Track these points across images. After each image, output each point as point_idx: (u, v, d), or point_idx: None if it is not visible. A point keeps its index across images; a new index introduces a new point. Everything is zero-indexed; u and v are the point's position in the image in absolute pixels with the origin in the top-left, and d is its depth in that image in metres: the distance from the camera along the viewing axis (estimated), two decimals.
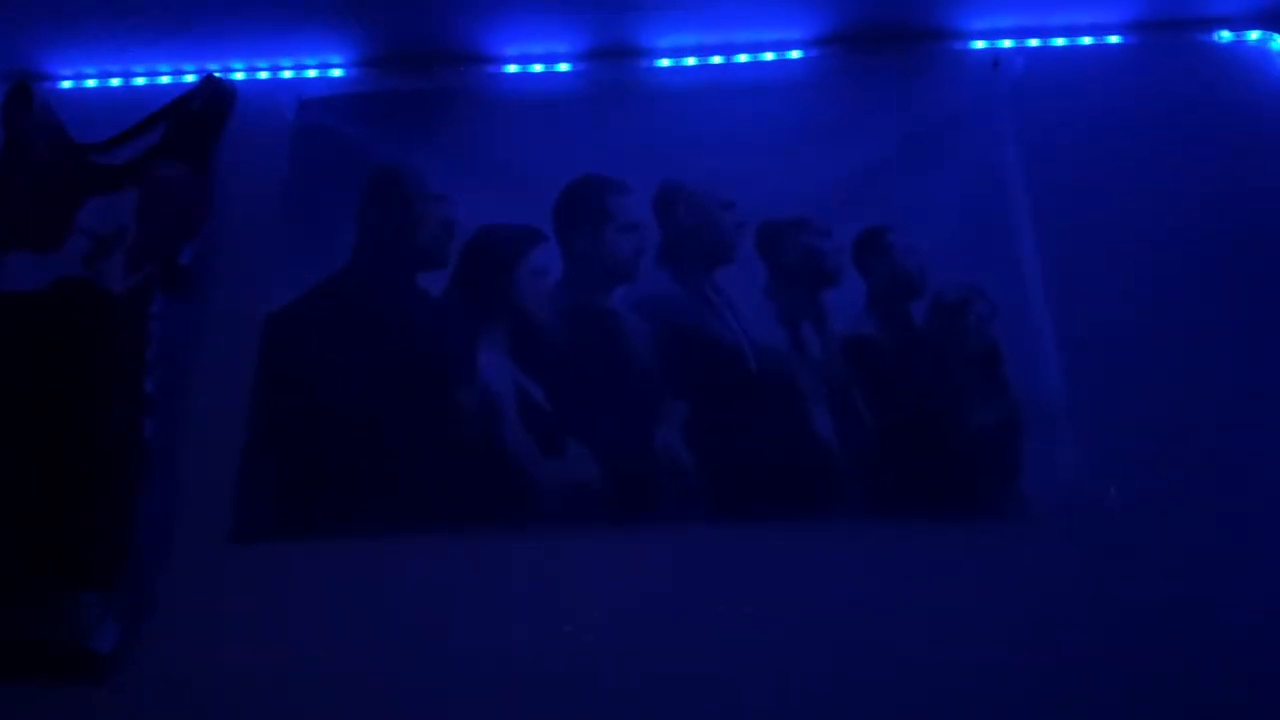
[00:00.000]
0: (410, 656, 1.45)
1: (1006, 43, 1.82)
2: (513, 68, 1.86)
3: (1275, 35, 1.80)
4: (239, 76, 1.89)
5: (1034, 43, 1.82)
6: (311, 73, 1.89)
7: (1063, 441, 1.51)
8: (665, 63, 1.85)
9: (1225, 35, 1.81)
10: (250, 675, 1.44)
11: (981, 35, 1.83)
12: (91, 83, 1.93)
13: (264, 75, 1.89)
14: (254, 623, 1.48)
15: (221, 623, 1.48)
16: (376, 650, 1.45)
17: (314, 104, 1.84)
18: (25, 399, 1.54)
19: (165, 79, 1.90)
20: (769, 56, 1.84)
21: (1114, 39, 1.82)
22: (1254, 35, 1.80)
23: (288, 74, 1.89)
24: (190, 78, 1.89)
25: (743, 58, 1.84)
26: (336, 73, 1.88)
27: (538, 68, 1.86)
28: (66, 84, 1.93)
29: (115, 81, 1.92)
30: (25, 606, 1.41)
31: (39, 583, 1.42)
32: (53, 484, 1.47)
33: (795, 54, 1.84)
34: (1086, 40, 1.82)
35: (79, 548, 1.44)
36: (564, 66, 1.86)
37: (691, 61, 1.85)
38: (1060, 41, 1.82)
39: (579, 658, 1.44)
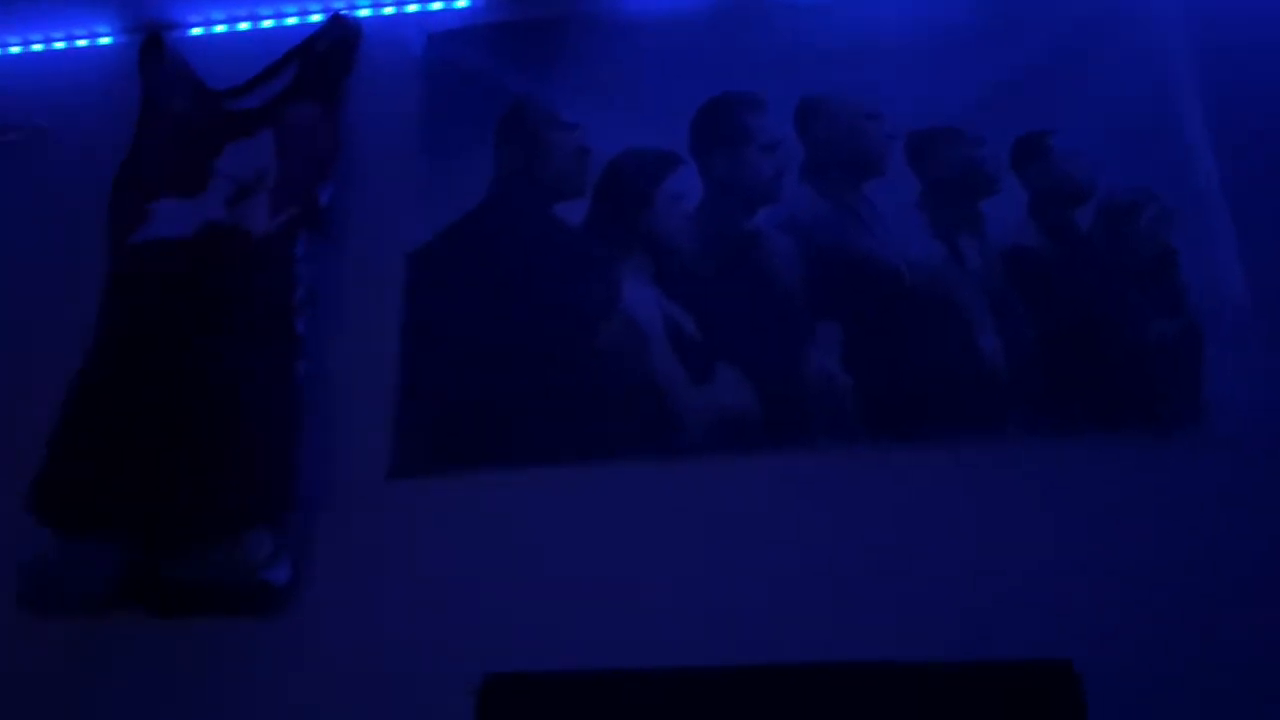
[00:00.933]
0: (564, 588, 1.45)
1: None
2: None
3: None
4: (365, 14, 1.87)
5: None
6: (437, 5, 1.85)
7: (1247, 352, 1.42)
8: None
9: None
10: (410, 605, 1.46)
11: None
12: (220, 28, 1.94)
13: (390, 11, 1.87)
14: (412, 556, 1.50)
15: (381, 556, 1.50)
16: (529, 581, 1.46)
17: (442, 38, 1.81)
18: (179, 343, 1.56)
19: (292, 20, 1.89)
20: None
21: None
22: None
23: (413, 8, 1.86)
24: (317, 18, 1.88)
25: None
26: (462, 4, 1.85)
27: None
28: (196, 31, 1.94)
29: (243, 25, 1.92)
30: (201, 547, 1.44)
31: (212, 523, 1.45)
32: (214, 427, 1.50)
33: None
34: None
35: (247, 488, 1.47)
36: None
37: None
38: None
39: (733, 587, 1.42)
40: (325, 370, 1.60)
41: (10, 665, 1.49)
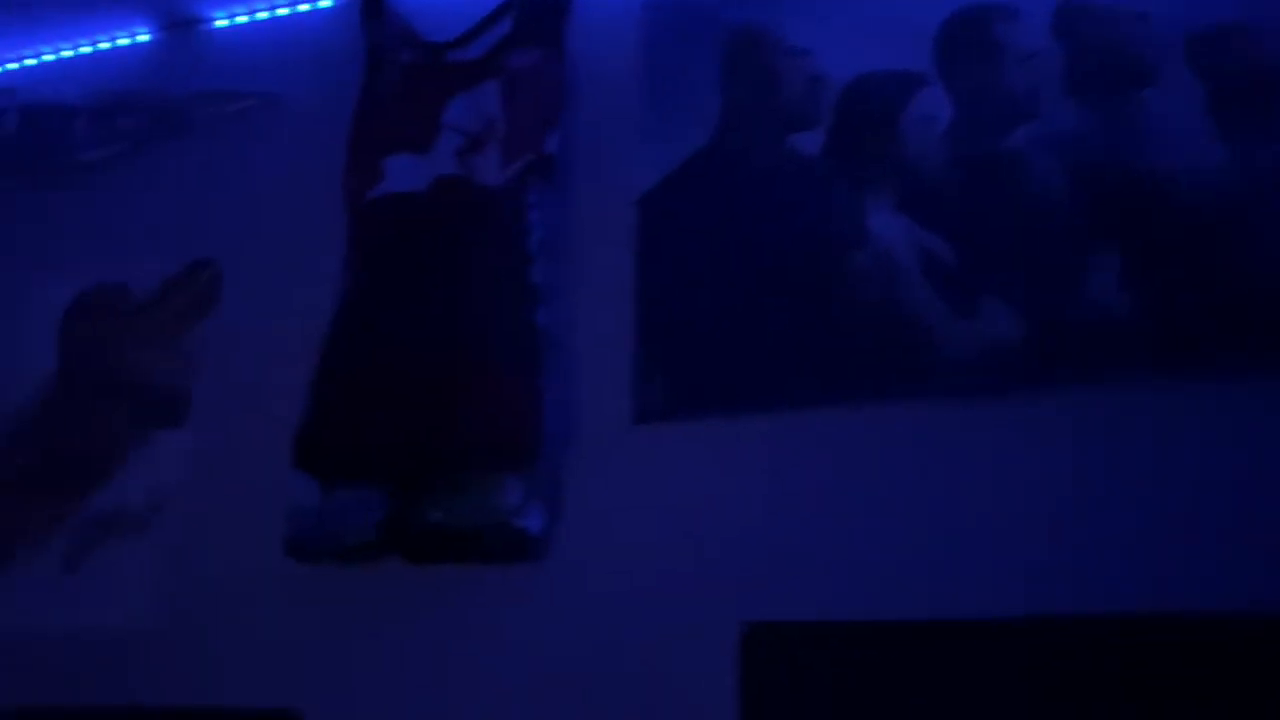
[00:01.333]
0: (818, 535, 1.39)
1: None
2: None
3: None
4: None
5: None
6: None
7: None
8: None
9: None
10: (662, 552, 1.44)
11: None
12: None
13: None
14: (660, 501, 1.47)
15: (629, 502, 1.48)
16: (782, 528, 1.40)
17: None
18: (421, 296, 1.58)
19: None
20: None
21: None
22: None
23: None
24: None
25: None
26: None
27: None
28: None
29: None
30: (455, 493, 1.46)
31: (464, 468, 1.46)
32: (460, 377, 1.51)
33: None
34: None
35: (498, 436, 1.47)
36: None
37: None
38: None
39: (1001, 537, 1.33)
40: (563, 318, 1.59)
41: (279, 610, 1.56)
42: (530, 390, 1.50)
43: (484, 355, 1.51)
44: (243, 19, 2.06)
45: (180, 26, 2.09)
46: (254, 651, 1.55)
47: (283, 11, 2.04)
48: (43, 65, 2.17)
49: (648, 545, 1.45)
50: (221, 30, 2.07)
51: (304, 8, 2.02)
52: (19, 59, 2.18)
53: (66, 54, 2.15)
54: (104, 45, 2.13)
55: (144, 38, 2.11)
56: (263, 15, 2.05)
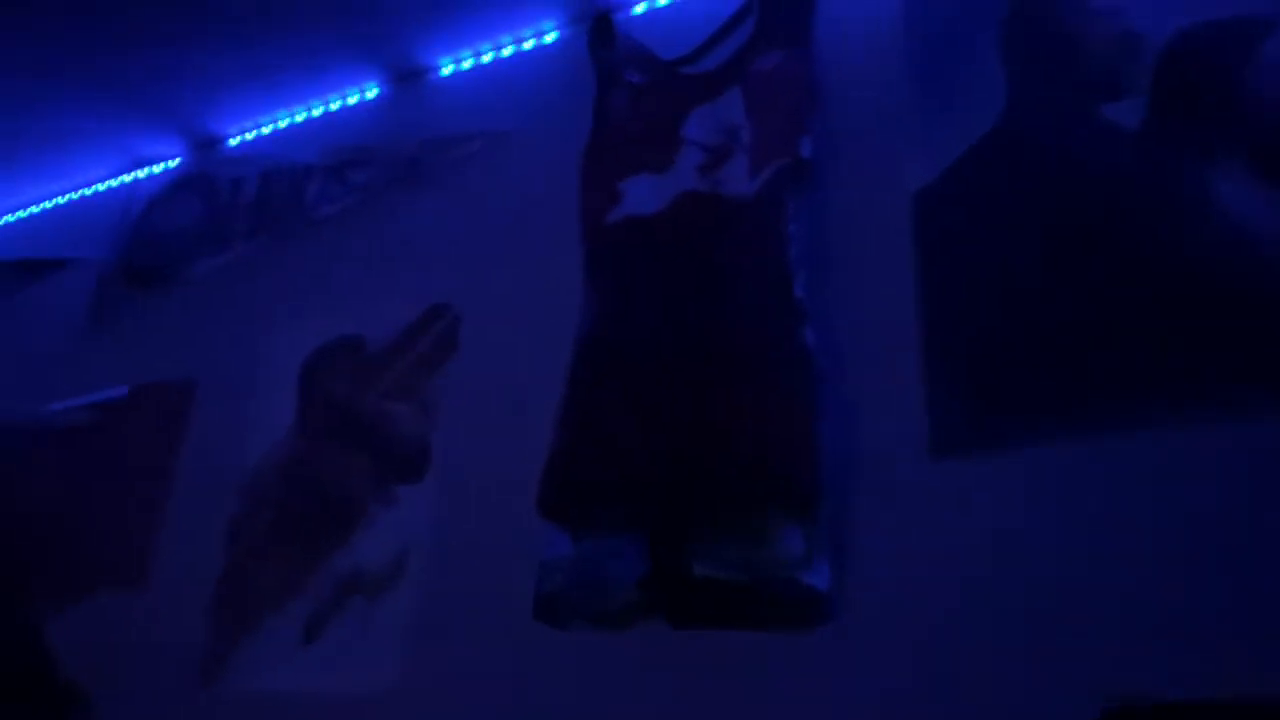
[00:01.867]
0: (1177, 587, 1.09)
1: None
2: None
3: None
4: None
5: None
6: None
7: None
8: None
9: None
10: (968, 610, 1.18)
11: None
12: (663, 1, 1.82)
13: None
14: (966, 551, 1.21)
15: (928, 552, 1.23)
16: (1124, 579, 1.12)
17: None
18: (671, 322, 1.41)
19: None
20: None
21: None
22: None
23: None
24: None
25: None
26: None
27: None
28: (639, 9, 1.84)
29: None
30: (725, 542, 1.25)
31: (736, 514, 1.26)
32: (724, 408, 1.31)
33: None
34: None
35: (771, 472, 1.26)
36: None
37: None
38: None
39: None
40: (833, 338, 1.37)
41: (528, 680, 1.39)
42: (805, 420, 1.28)
43: (749, 382, 1.32)
44: (468, 64, 2.01)
45: (408, 78, 2.06)
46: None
47: (507, 52, 1.97)
48: (280, 130, 2.19)
49: (957, 606, 1.19)
50: (448, 78, 2.03)
51: (529, 45, 1.95)
52: (258, 126, 2.21)
53: (301, 117, 2.17)
54: (335, 105, 2.13)
55: (373, 93, 2.10)
56: (487, 58, 1.99)
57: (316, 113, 2.15)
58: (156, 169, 2.32)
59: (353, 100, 2.12)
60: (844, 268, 1.42)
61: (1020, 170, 1.34)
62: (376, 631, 1.56)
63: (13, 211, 2.53)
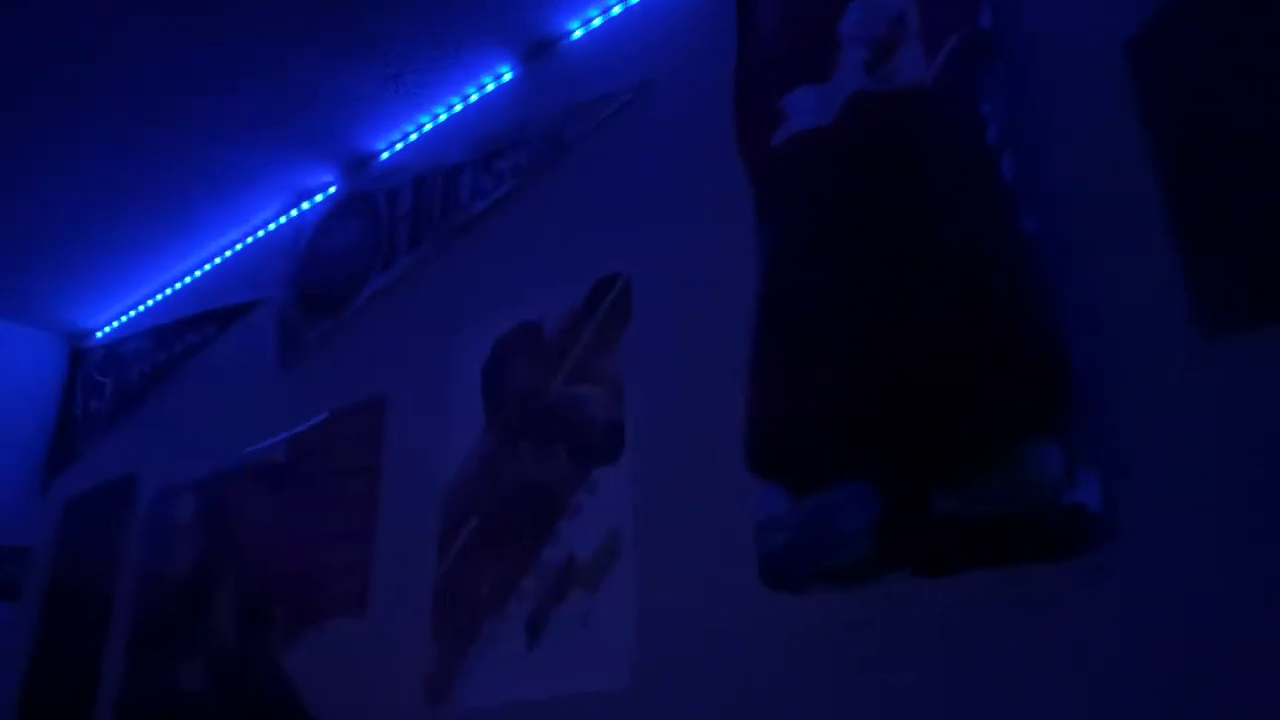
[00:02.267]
0: None
1: None
2: None
3: None
4: None
5: None
6: None
7: None
8: None
9: None
10: (1265, 505, 0.96)
11: None
12: None
13: None
14: (1254, 442, 0.99)
15: (1209, 449, 1.02)
16: None
17: None
18: (870, 236, 1.24)
19: None
20: None
21: None
22: None
23: None
24: None
25: None
26: None
27: None
28: None
29: None
30: (971, 475, 1.08)
31: (980, 441, 1.09)
32: (949, 322, 1.14)
33: None
34: None
35: (1017, 388, 1.08)
36: None
37: None
38: None
39: None
40: (1059, 220, 1.17)
41: (767, 652, 1.26)
42: (1038, 317, 1.10)
43: (972, 286, 1.14)
44: (597, 22, 1.90)
45: (539, 52, 1.97)
46: (755, 702, 1.25)
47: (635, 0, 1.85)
48: (425, 135, 2.15)
49: (1255, 505, 0.98)
50: (579, 41, 1.93)
51: None
52: (404, 136, 2.18)
53: (443, 116, 2.12)
54: (474, 97, 2.07)
55: (508, 76, 2.02)
56: (616, 10, 1.87)
57: (457, 109, 2.10)
58: (319, 198, 2.33)
59: (490, 88, 2.05)
60: (1059, 140, 1.22)
61: None
62: (602, 624, 1.47)
63: (193, 270, 2.62)
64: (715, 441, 1.35)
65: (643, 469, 1.48)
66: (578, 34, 1.92)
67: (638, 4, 1.84)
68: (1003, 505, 1.07)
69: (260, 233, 2.46)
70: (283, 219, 2.41)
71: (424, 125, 2.15)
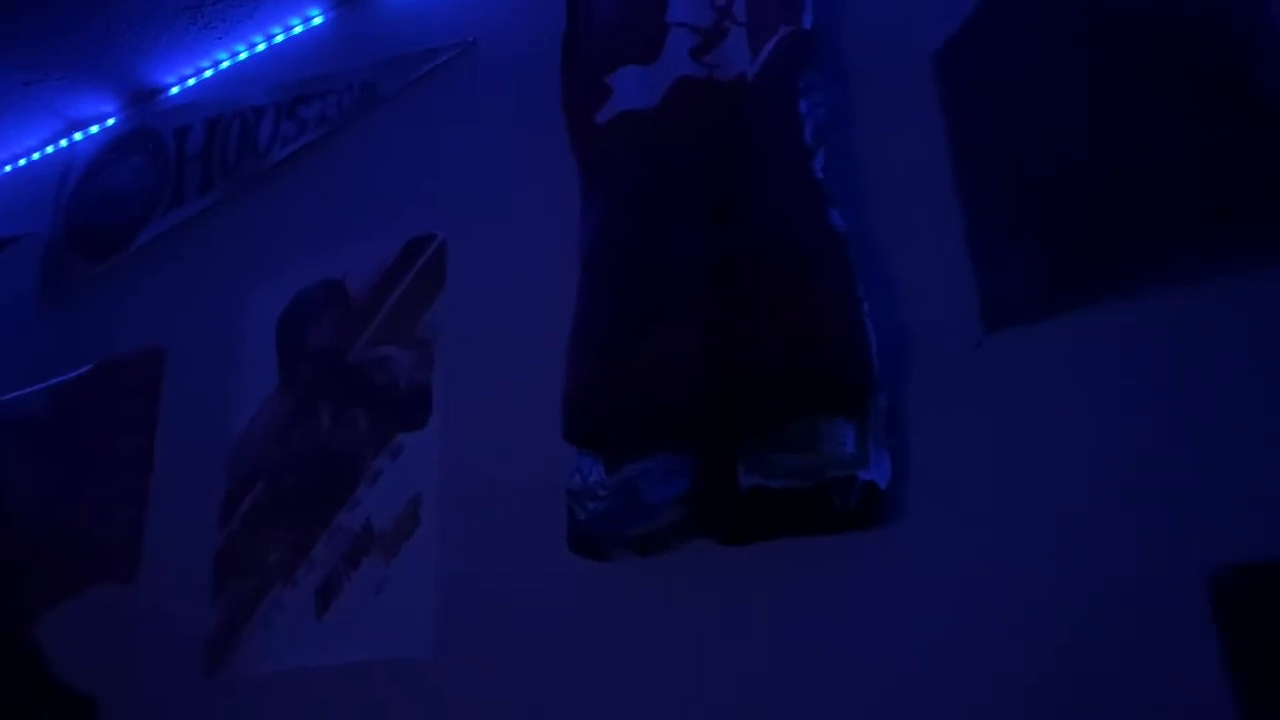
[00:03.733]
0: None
1: None
2: None
3: None
4: None
5: None
6: None
7: None
8: None
9: None
10: (1042, 490, 1.08)
11: None
12: None
13: None
14: (1035, 428, 1.11)
15: (992, 433, 1.13)
16: (1206, 439, 1.02)
17: None
18: (683, 217, 1.28)
19: None
20: None
21: None
22: None
23: None
24: None
25: None
26: None
27: None
28: None
29: None
30: (773, 450, 1.15)
31: (783, 418, 1.15)
32: (758, 306, 1.19)
33: None
34: None
35: (819, 370, 1.15)
36: None
37: None
38: None
39: None
40: (866, 217, 1.25)
41: (573, 619, 1.28)
42: (847, 309, 1.17)
43: (781, 274, 1.20)
44: None
45: None
46: (560, 670, 1.27)
47: None
48: (222, 73, 2.02)
49: (1035, 483, 1.09)
50: None
51: None
52: (198, 72, 2.04)
53: (244, 55, 1.99)
54: (280, 37, 1.96)
55: (318, 19, 1.92)
56: None
57: (260, 49, 1.98)
58: (95, 129, 2.14)
59: (298, 30, 1.94)
60: (868, 142, 1.30)
61: (1052, 8, 1.21)
62: (398, 592, 1.44)
63: None
64: (526, 410, 1.36)
65: (450, 436, 1.47)
66: None
67: None
68: (803, 480, 1.13)
69: (23, 161, 2.23)
70: (50, 148, 2.19)
71: (221, 62, 2.01)
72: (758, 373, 1.17)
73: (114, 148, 2.08)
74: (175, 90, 2.06)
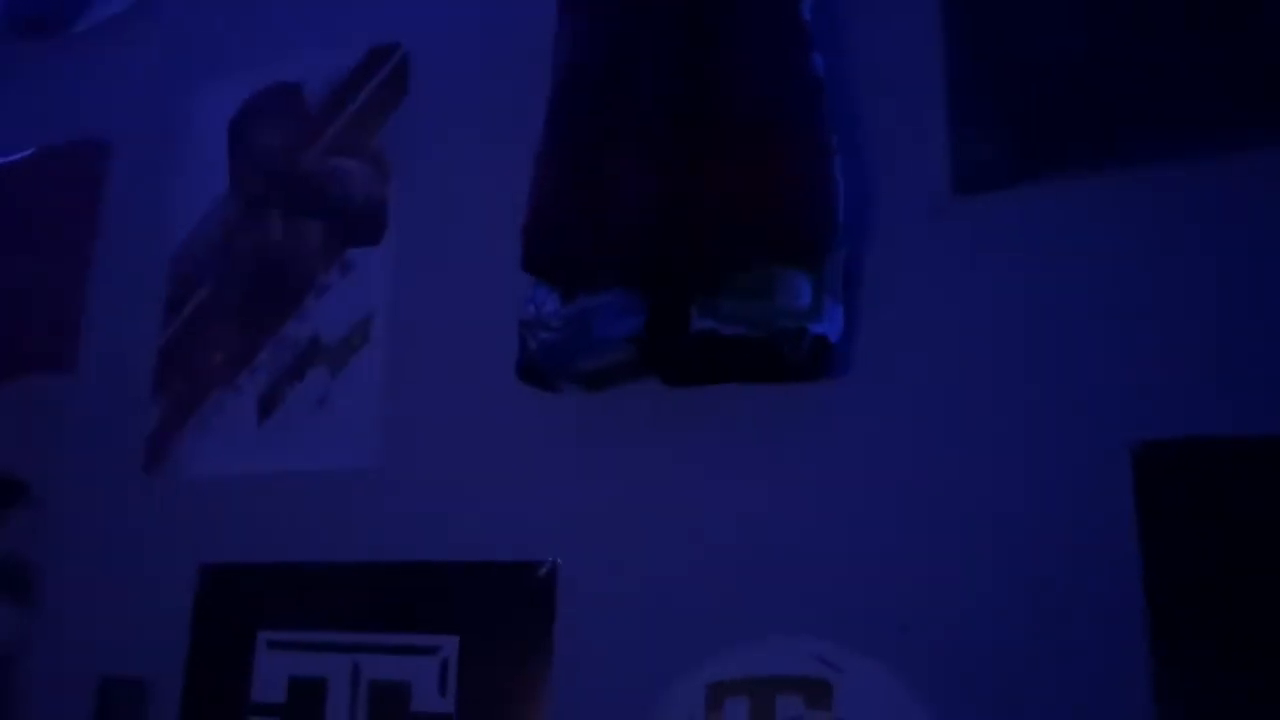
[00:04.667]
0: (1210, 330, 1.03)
1: None
2: None
3: None
4: None
5: None
6: None
7: None
8: None
9: None
10: (994, 357, 1.10)
11: None
12: None
13: None
14: (993, 298, 1.12)
15: (950, 299, 1.14)
16: (1161, 315, 1.04)
17: None
18: (660, 52, 1.23)
19: None
20: None
21: None
22: None
23: None
24: None
25: None
26: None
27: None
28: None
29: None
30: (729, 296, 1.14)
31: (741, 265, 1.14)
32: (727, 148, 1.17)
33: None
34: None
35: (782, 219, 1.14)
36: None
37: None
38: None
39: None
40: (845, 64, 1.23)
41: (515, 447, 1.30)
42: (816, 158, 1.15)
43: (753, 116, 1.17)
44: None
45: None
46: (490, 495, 1.30)
47: None
48: None
49: (979, 353, 1.11)
50: None
51: None
52: None
53: None
54: None
55: None
56: None
57: None
58: None
59: None
60: None
61: None
62: (342, 407, 1.45)
63: None
64: (486, 235, 1.34)
65: (405, 254, 1.44)
66: None
67: None
68: (754, 328, 1.14)
69: None
70: None
71: None
72: (718, 215, 1.15)
73: None
74: None
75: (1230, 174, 1.05)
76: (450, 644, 1.28)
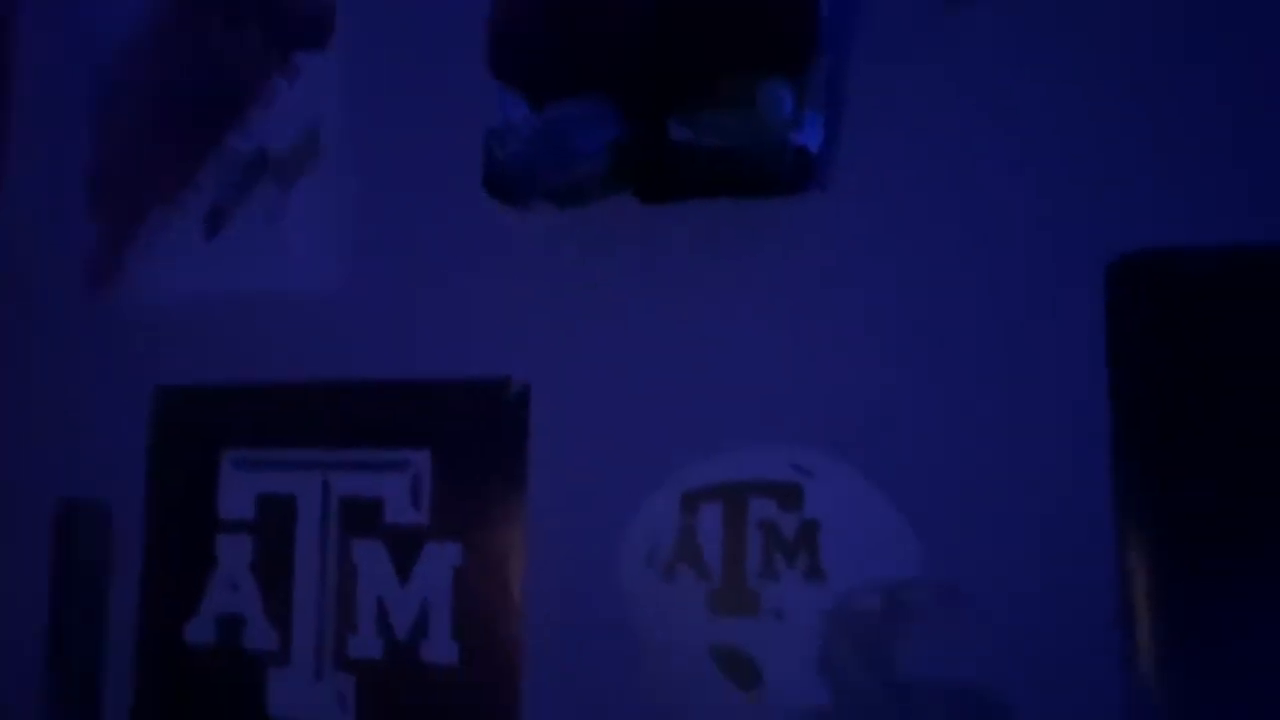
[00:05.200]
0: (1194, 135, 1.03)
1: None
2: None
3: None
4: None
5: None
6: None
7: None
8: None
9: None
10: (977, 168, 1.08)
11: None
12: None
13: None
14: (981, 112, 1.08)
15: (937, 110, 1.10)
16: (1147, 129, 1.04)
17: None
18: None
19: None
20: None
21: None
22: None
23: None
24: None
25: None
26: None
27: None
28: None
29: None
30: (707, 106, 1.11)
31: (720, 74, 1.10)
32: None
33: None
34: None
35: (760, 28, 1.10)
36: None
37: None
38: None
39: None
40: None
41: (483, 263, 1.25)
42: None
43: None
44: None
45: None
46: (458, 313, 1.27)
47: None
48: None
49: (959, 167, 1.09)
50: None
51: None
52: None
53: None
54: None
55: None
56: None
57: None
58: None
59: None
60: None
61: None
62: (295, 223, 1.39)
63: None
64: (445, 35, 1.26)
65: (355, 59, 1.35)
66: None
67: None
68: (734, 140, 1.11)
69: None
70: None
71: None
72: (698, 17, 1.10)
73: None
74: None
75: None
76: (422, 458, 1.28)
